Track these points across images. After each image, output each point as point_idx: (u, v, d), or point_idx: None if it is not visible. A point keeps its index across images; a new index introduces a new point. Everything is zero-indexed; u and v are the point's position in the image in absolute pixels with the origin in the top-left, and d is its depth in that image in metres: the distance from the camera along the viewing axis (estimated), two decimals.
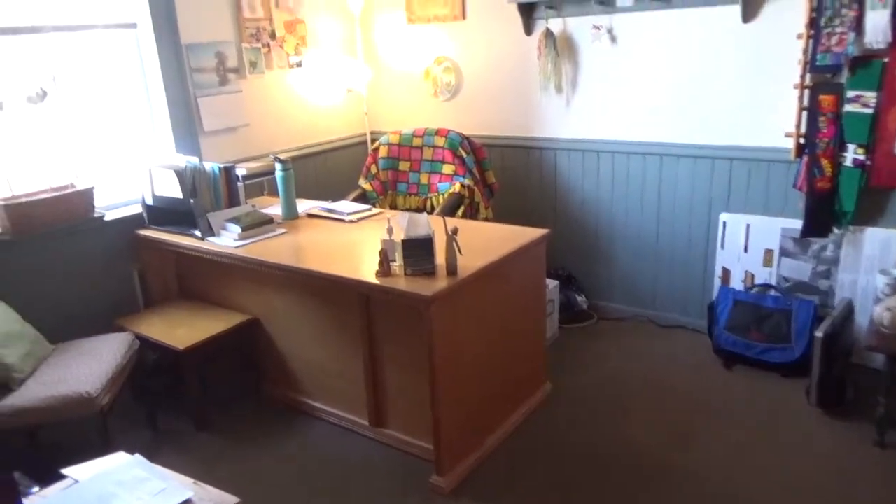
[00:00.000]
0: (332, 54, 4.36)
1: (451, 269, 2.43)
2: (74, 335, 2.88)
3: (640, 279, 3.86)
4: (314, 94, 4.30)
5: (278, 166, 3.29)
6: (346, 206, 3.49)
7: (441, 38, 4.22)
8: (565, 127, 3.88)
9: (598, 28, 3.56)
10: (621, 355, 3.52)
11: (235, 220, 3.07)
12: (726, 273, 3.54)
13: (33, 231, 2.89)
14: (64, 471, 1.53)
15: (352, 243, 2.99)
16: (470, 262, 2.51)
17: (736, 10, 3.16)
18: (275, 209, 3.40)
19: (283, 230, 3.16)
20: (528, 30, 3.83)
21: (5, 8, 2.89)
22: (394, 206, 4.01)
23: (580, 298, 3.94)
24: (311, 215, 3.41)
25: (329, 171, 4.43)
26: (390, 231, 2.54)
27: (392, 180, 4.08)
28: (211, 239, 3.06)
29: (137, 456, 1.58)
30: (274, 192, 3.55)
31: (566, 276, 3.97)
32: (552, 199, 4.05)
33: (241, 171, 3.45)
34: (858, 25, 2.79)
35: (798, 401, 2.99)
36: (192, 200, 3.09)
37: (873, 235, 3.09)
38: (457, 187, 3.78)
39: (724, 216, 3.47)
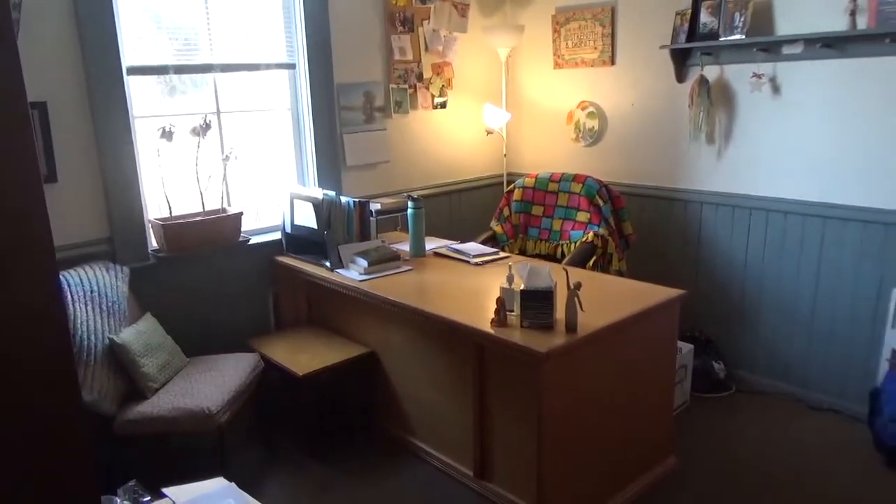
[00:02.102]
0: (476, 96, 4.40)
1: (571, 326, 2.30)
2: (210, 350, 3.08)
3: (788, 351, 3.46)
4: (455, 134, 4.36)
5: (410, 204, 3.35)
6: (473, 247, 3.46)
7: (587, 83, 4.12)
8: (715, 179, 3.61)
9: (758, 76, 3.29)
10: (760, 434, 3.14)
11: (364, 254, 3.14)
12: None
13: (185, 250, 3.14)
14: (166, 490, 1.58)
15: (473, 287, 2.94)
16: (592, 319, 2.36)
17: None
18: (403, 246, 3.45)
19: (408, 267, 3.19)
20: (681, 77, 3.63)
21: (182, 48, 3.21)
22: (523, 251, 3.93)
23: (717, 366, 3.60)
24: (437, 254, 3.42)
25: (463, 211, 4.45)
26: (510, 279, 2.46)
27: (524, 224, 4.01)
28: (339, 271, 3.15)
29: (232, 485, 1.61)
30: (406, 229, 3.61)
31: (704, 340, 3.65)
32: (693, 256, 3.76)
33: (375, 206, 3.54)
34: None
35: None
36: (325, 232, 3.20)
37: None
38: (590, 236, 3.62)
39: None
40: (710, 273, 3.71)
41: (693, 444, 3.06)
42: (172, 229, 3.08)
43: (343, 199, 3.35)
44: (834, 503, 2.66)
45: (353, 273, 3.10)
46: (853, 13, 2.87)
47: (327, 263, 3.21)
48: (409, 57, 4.00)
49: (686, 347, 3.38)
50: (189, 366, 2.90)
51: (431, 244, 3.52)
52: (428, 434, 2.99)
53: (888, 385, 2.98)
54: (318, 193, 3.27)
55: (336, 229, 3.27)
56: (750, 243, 3.53)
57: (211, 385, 2.69)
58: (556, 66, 4.24)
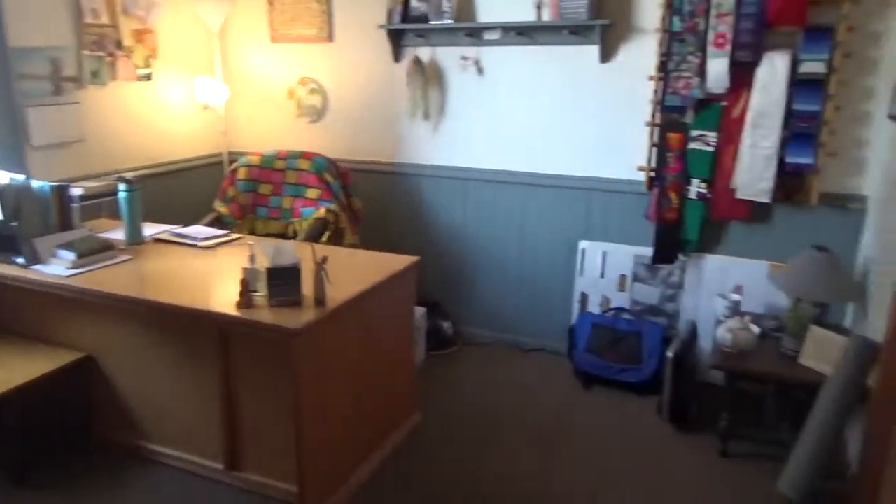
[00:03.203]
0: (187, 69, 4.07)
1: (320, 300, 2.30)
2: None
3: (503, 305, 3.93)
4: (165, 110, 3.99)
5: (122, 186, 2.98)
6: (199, 231, 3.23)
7: (307, 59, 4.09)
8: (432, 154, 3.90)
9: (466, 59, 3.62)
10: (487, 380, 3.54)
11: (69, 245, 2.72)
12: (584, 298, 3.69)
13: None
14: None
15: (206, 271, 2.75)
16: (339, 292, 2.40)
17: (594, 50, 3.34)
18: (116, 234, 3.07)
19: (126, 257, 2.86)
20: (398, 56, 3.82)
21: None
22: (252, 232, 3.79)
23: (446, 325, 3.93)
24: (159, 240, 3.12)
25: (180, 194, 4.11)
26: (252, 259, 2.37)
27: (251, 204, 3.86)
28: (37, 267, 2.69)
29: None
30: (115, 215, 3.22)
31: (432, 302, 3.95)
32: (419, 226, 4.03)
33: (77, 191, 3.08)
34: (702, 71, 3.05)
35: (650, 418, 3.16)
36: (14, 224, 2.70)
37: (713, 262, 3.36)
38: (322, 212, 3.64)
39: (582, 244, 3.63)
40: (433, 241, 4.01)
41: (432, 398, 3.31)
42: None
43: (35, 183, 2.85)
44: (548, 422, 3.13)
45: (57, 269, 2.68)
46: (539, 7, 3.32)
47: (20, 260, 2.72)
48: (104, 20, 3.53)
49: (419, 311, 3.62)
50: None
51: (150, 230, 3.19)
52: (167, 435, 2.74)
53: (580, 323, 3.58)
54: (3, 178, 2.74)
55: (29, 219, 2.78)
56: (466, 212, 3.89)
57: None
58: (274, 40, 4.13)
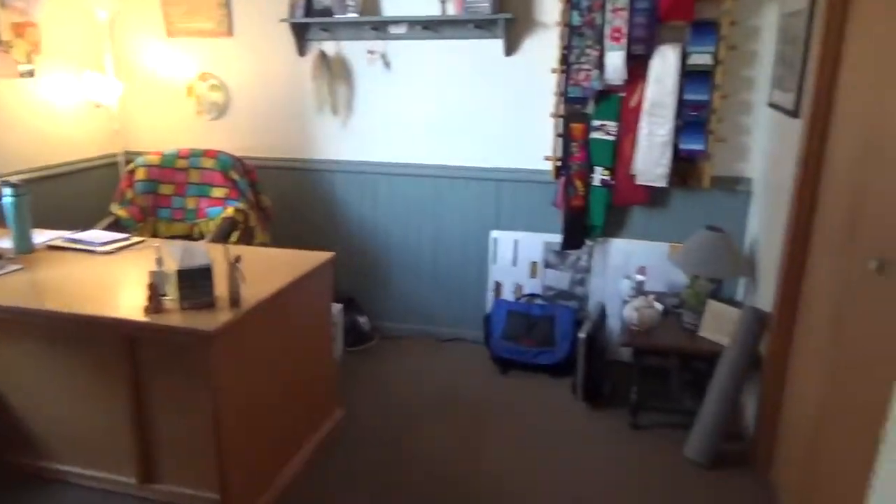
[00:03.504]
0: (75, 64, 3.83)
1: (235, 300, 2.24)
2: None
3: (419, 297, 3.96)
4: (50, 109, 3.73)
5: (7, 191, 2.77)
6: (97, 235, 3.06)
7: (206, 53, 3.94)
8: (342, 149, 3.86)
9: (372, 53, 3.61)
10: (407, 372, 3.56)
11: None
12: (498, 286, 3.78)
13: None
14: None
15: (109, 278, 2.61)
16: (254, 292, 2.34)
17: (499, 44, 3.42)
18: (2, 243, 2.86)
19: (16, 267, 2.66)
20: (302, 51, 3.75)
21: None
22: (155, 235, 3.62)
23: (362, 320, 3.92)
24: (52, 247, 2.92)
25: (73, 198, 3.87)
26: (160, 262, 2.27)
27: (152, 206, 3.69)
28: None
29: None
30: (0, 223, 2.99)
31: (348, 298, 3.93)
32: (331, 222, 3.98)
33: None
34: (600, 64, 3.19)
35: (566, 397, 3.29)
36: None
37: (618, 246, 3.53)
38: (230, 212, 3.53)
39: (494, 233, 3.71)
40: (347, 237, 3.98)
41: (354, 394, 3.30)
42: None
43: None
44: (469, 407, 3.19)
45: None
46: (444, 1, 3.36)
47: None
48: None
49: (336, 308, 3.59)
50: None
51: (41, 237, 2.99)
52: (74, 453, 2.59)
53: (494, 310, 3.67)
54: None
55: None
56: (378, 206, 3.89)
57: None
58: (170, 34, 3.95)
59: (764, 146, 3.15)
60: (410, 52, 3.60)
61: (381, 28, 3.57)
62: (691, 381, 3.24)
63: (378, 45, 3.61)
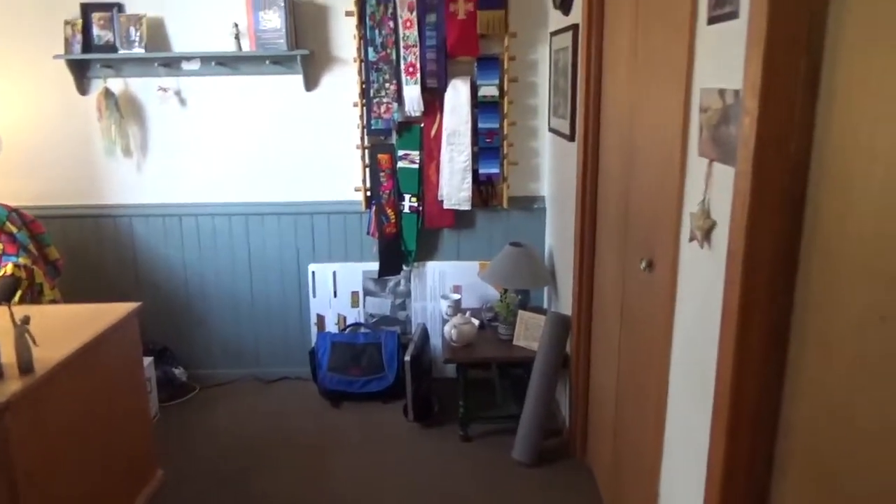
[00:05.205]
0: None
1: (26, 366, 2.01)
2: None
3: (239, 339, 3.81)
4: None
5: None
6: None
7: None
8: (140, 192, 3.62)
9: (164, 90, 3.44)
10: (233, 420, 3.40)
11: None
12: (321, 319, 3.76)
13: None
14: None
15: None
16: (49, 354, 2.12)
17: (299, 79, 3.44)
18: None
19: None
20: (83, 89, 3.47)
21: None
22: None
23: (178, 371, 3.68)
24: None
25: None
26: None
27: None
28: None
29: None
30: None
31: (160, 349, 3.67)
32: (133, 270, 3.71)
33: None
34: (399, 97, 3.35)
35: (399, 420, 3.36)
36: None
37: (432, 268, 3.70)
38: (9, 269, 3.14)
39: (312, 266, 3.70)
40: (153, 284, 3.72)
41: (174, 451, 3.08)
42: None
43: None
44: (303, 445, 3.14)
45: None
46: (237, 37, 3.31)
47: None
48: None
49: (146, 360, 3.33)
50: None
51: None
52: None
53: (319, 344, 3.64)
54: None
55: None
56: (185, 248, 3.70)
57: None
58: None
59: (551, 166, 3.51)
60: (207, 89, 3.49)
61: (172, 64, 3.42)
62: (512, 388, 3.48)
63: (170, 81, 3.46)
